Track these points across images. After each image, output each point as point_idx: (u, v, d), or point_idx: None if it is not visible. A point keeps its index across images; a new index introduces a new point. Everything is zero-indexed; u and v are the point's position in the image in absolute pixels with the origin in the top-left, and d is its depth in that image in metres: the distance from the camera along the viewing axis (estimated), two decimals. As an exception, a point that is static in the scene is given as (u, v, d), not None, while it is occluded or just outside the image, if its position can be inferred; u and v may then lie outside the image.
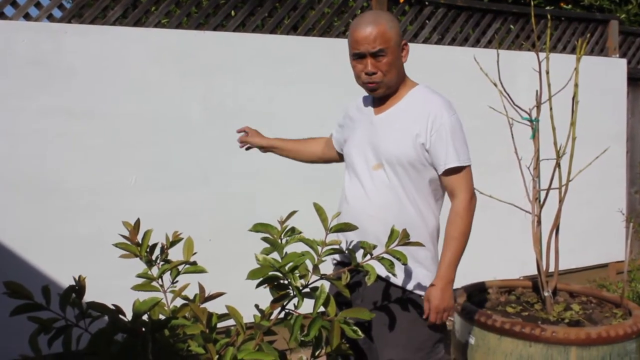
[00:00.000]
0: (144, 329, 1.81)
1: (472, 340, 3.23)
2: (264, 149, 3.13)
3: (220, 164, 4.40)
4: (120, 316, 1.85)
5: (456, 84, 4.91)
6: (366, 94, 2.69)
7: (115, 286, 2.81)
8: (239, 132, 3.15)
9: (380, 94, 2.57)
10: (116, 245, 2.20)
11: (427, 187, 2.55)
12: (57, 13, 4.11)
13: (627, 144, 6.49)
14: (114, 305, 1.93)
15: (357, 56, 2.50)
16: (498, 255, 5.35)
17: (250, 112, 4.48)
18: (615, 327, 3.02)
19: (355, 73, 2.56)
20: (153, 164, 4.20)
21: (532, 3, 3.69)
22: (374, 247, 2.16)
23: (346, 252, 2.22)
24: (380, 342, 2.58)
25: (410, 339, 2.52)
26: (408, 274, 2.53)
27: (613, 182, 6.24)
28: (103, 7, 4.17)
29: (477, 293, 3.70)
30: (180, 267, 2.23)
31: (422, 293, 2.52)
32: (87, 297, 1.94)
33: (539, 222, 3.49)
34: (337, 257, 2.71)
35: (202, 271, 2.22)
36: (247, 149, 3.17)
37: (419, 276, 2.55)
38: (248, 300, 2.23)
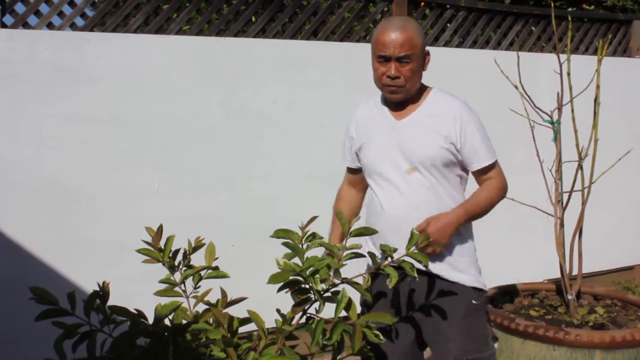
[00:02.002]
0: (165, 333, 1.83)
1: (495, 344, 3.22)
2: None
3: (242, 168, 4.42)
4: (142, 320, 1.86)
5: (477, 86, 4.89)
6: (364, 102, 2.80)
7: (139, 291, 2.83)
8: None
9: (400, 99, 2.59)
10: (139, 251, 2.22)
11: (458, 183, 2.64)
12: (79, 22, 4.16)
13: (651, 145, 6.41)
14: (136, 309, 1.95)
15: (381, 58, 2.52)
16: (521, 259, 5.32)
17: (270, 117, 4.50)
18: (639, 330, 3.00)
19: (377, 75, 2.58)
20: (175, 169, 4.22)
21: (552, 4, 3.66)
22: (395, 250, 2.16)
23: (366, 255, 2.21)
24: (439, 337, 2.60)
25: (470, 330, 2.57)
26: (455, 268, 2.57)
27: (637, 183, 6.18)
28: (125, 15, 4.20)
29: (501, 296, 3.69)
30: (202, 272, 2.24)
31: (477, 285, 2.60)
32: (111, 302, 1.97)
33: (562, 224, 3.48)
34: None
35: (224, 276, 2.23)
36: None
37: (472, 269, 2.61)
38: (270, 305, 2.24)
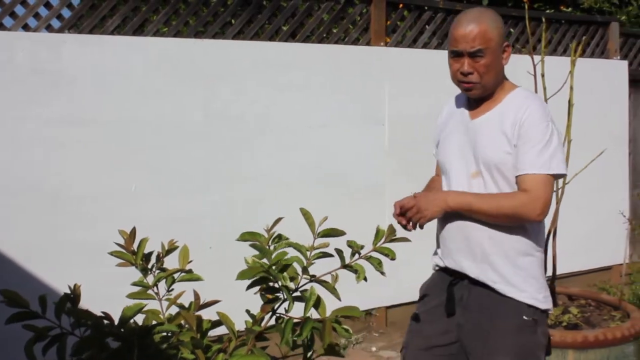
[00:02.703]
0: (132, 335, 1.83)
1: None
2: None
3: (222, 171, 4.43)
4: (108, 322, 1.86)
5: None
6: (454, 97, 2.65)
7: (117, 294, 2.82)
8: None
9: (476, 95, 2.46)
10: (111, 253, 2.21)
11: None
12: (55, 23, 4.15)
13: (629, 146, 6.48)
14: (103, 312, 1.95)
15: (454, 54, 2.40)
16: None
17: (251, 119, 4.52)
18: (612, 329, 3.03)
19: (451, 72, 2.46)
20: (154, 171, 4.22)
21: (526, 7, 3.69)
22: (362, 246, 2.15)
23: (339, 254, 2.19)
24: (485, 350, 2.45)
25: (518, 348, 2.41)
26: (515, 284, 2.42)
27: (616, 184, 6.23)
28: (101, 17, 4.20)
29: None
30: (176, 275, 2.24)
31: (531, 302, 2.41)
32: (90, 306, 1.96)
33: (537, 225, 3.50)
34: (439, 263, 2.62)
35: (197, 279, 2.23)
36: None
37: (528, 285, 2.42)
38: (248, 307, 2.24)
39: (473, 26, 2.34)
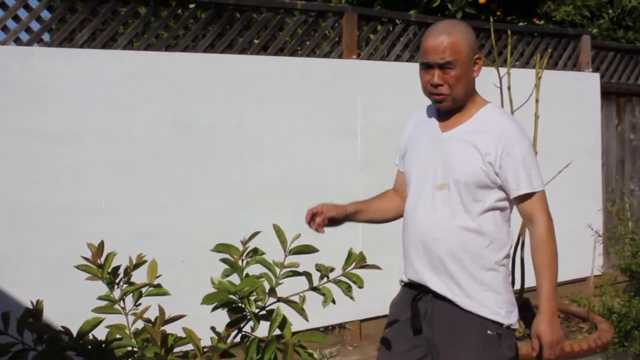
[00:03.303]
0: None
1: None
2: (348, 218, 2.75)
3: (193, 184, 4.41)
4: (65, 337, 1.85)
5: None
6: (423, 108, 2.65)
7: (86, 310, 2.80)
8: (311, 218, 2.74)
9: (447, 107, 2.45)
10: (77, 267, 2.19)
11: (495, 208, 2.45)
12: (24, 36, 4.12)
13: (602, 157, 6.53)
14: (63, 327, 1.93)
15: (425, 65, 2.39)
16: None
17: (222, 132, 4.50)
18: (579, 341, 3.04)
19: (422, 83, 2.44)
20: (124, 184, 4.19)
21: (491, 20, 3.73)
22: (331, 269, 2.14)
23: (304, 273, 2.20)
24: None
25: None
26: (476, 299, 2.42)
27: (589, 196, 6.26)
28: (71, 30, 4.17)
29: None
30: (144, 290, 2.22)
31: (493, 317, 2.42)
32: (59, 322, 1.95)
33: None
34: (403, 278, 2.63)
35: (165, 293, 2.21)
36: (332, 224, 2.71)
37: (489, 300, 2.43)
38: (217, 323, 2.23)
39: (443, 38, 2.33)
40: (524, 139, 2.40)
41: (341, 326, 5.08)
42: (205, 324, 2.16)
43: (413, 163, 2.57)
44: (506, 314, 2.44)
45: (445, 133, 2.48)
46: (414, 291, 2.55)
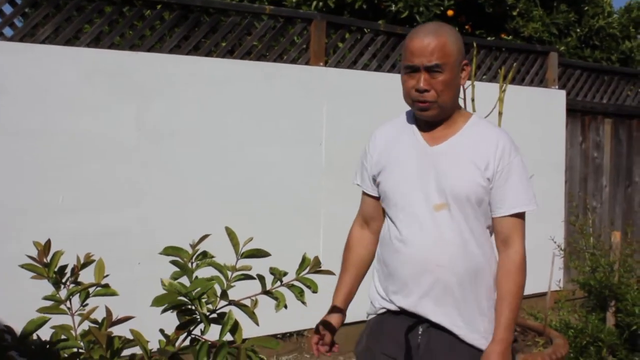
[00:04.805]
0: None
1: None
2: (344, 312, 2.49)
3: (153, 186, 4.35)
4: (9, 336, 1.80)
5: (394, 110, 4.91)
6: (387, 121, 2.44)
7: (34, 309, 2.74)
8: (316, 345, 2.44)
9: (432, 116, 2.21)
10: (22, 266, 2.14)
11: (488, 227, 2.29)
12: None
13: (565, 174, 6.59)
14: (6, 326, 1.87)
15: (409, 69, 2.16)
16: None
17: (183, 134, 4.45)
18: (534, 355, 3.04)
19: (405, 90, 2.21)
20: (83, 184, 4.13)
21: (462, 33, 3.73)
22: (285, 273, 2.10)
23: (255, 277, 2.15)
24: None
25: None
26: (479, 331, 2.24)
27: (552, 211, 6.30)
28: (33, 25, 4.10)
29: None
30: (91, 290, 2.17)
31: (483, 347, 2.22)
32: (12, 321, 1.91)
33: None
34: (387, 306, 2.36)
35: (113, 294, 2.15)
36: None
37: (488, 333, 2.23)
38: (171, 324, 2.18)
39: (431, 38, 2.11)
40: (518, 150, 2.26)
41: (299, 333, 5.04)
42: (158, 327, 2.11)
43: (397, 182, 2.28)
44: (486, 342, 2.24)
45: (435, 147, 2.24)
46: (397, 320, 2.33)
